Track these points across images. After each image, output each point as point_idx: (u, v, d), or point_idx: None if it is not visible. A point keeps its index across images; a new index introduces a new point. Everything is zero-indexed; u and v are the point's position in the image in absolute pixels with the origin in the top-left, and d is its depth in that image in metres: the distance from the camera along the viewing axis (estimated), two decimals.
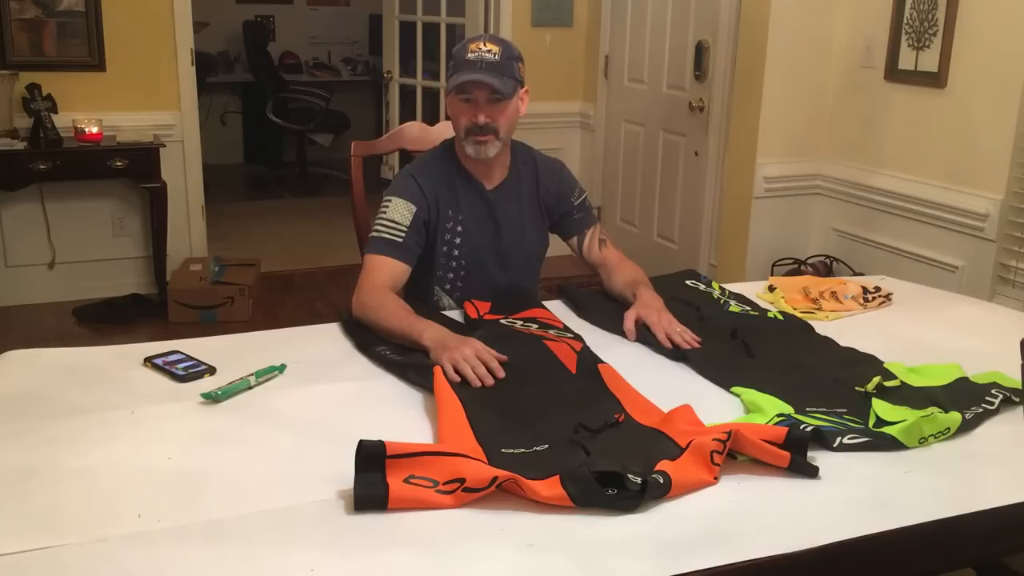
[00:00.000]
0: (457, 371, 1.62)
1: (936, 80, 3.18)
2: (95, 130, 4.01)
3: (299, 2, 7.72)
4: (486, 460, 1.32)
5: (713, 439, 1.34)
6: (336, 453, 1.37)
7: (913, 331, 2.01)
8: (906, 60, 3.30)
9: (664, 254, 4.59)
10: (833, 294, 2.15)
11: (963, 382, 1.67)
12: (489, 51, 1.93)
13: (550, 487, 1.25)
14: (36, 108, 3.94)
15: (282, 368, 1.66)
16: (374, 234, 1.98)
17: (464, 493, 1.24)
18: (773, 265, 3.72)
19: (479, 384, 1.60)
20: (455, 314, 2.01)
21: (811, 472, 1.35)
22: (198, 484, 1.29)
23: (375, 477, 1.24)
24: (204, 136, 4.62)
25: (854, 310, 2.11)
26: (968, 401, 1.58)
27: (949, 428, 1.49)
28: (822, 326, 2.01)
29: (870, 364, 1.77)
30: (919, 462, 1.42)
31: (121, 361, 1.71)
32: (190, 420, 1.49)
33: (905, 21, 3.29)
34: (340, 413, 1.53)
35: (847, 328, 2.01)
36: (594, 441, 1.41)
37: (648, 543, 1.18)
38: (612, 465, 1.26)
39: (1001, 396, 1.60)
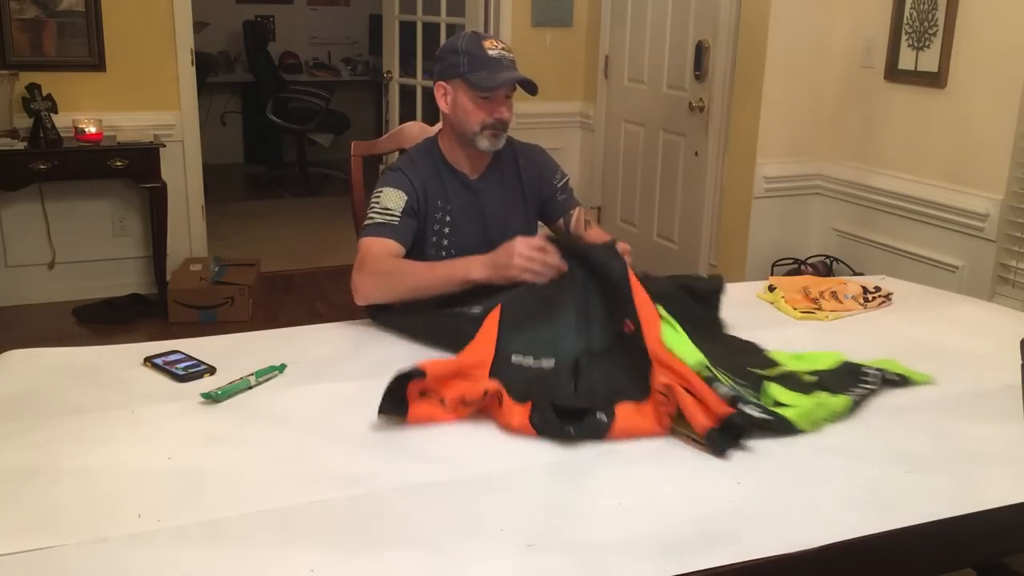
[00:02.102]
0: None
1: (936, 80, 3.18)
2: (95, 130, 4.01)
3: (299, 2, 7.72)
4: (490, 365, 1.55)
5: (662, 391, 1.46)
6: (336, 453, 1.37)
7: (913, 331, 2.01)
8: (906, 60, 3.30)
9: (664, 254, 4.59)
10: (833, 294, 2.15)
11: (846, 366, 1.71)
12: (505, 48, 2.00)
13: (520, 416, 1.44)
14: (36, 108, 3.94)
15: (282, 368, 1.66)
16: (368, 221, 2.00)
17: (462, 407, 1.46)
18: (773, 265, 3.72)
19: (557, 272, 1.73)
20: None
21: (721, 450, 1.39)
22: (198, 484, 1.29)
23: (399, 393, 1.46)
24: (204, 136, 4.62)
25: (854, 310, 2.11)
26: (849, 383, 1.63)
27: (840, 412, 1.53)
28: (821, 326, 2.01)
29: (755, 351, 1.79)
30: (919, 462, 1.42)
31: (121, 361, 1.71)
32: (190, 420, 1.49)
33: (905, 21, 3.29)
34: (340, 413, 1.53)
35: (847, 328, 2.01)
36: (592, 363, 1.56)
37: (648, 543, 1.18)
38: (582, 403, 1.44)
39: (881, 376, 1.66)
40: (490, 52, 1.98)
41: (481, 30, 4.75)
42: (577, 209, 2.20)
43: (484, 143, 2.02)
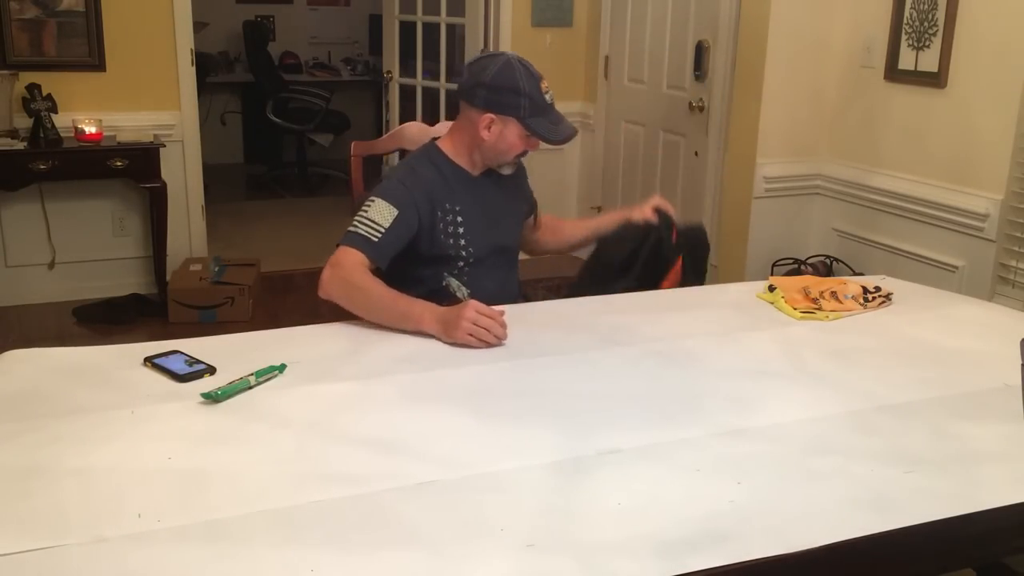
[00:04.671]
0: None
1: (936, 80, 3.18)
2: (95, 130, 4.01)
3: (299, 2, 7.72)
4: None
5: None
6: (336, 453, 1.37)
7: (913, 331, 2.01)
8: (906, 60, 3.30)
9: None
10: (833, 294, 2.15)
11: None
12: (550, 90, 2.06)
13: None
14: (36, 108, 3.94)
15: (282, 368, 1.66)
16: (351, 229, 2.00)
17: None
18: (773, 265, 3.72)
19: (498, 343, 1.78)
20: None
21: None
22: (198, 484, 1.29)
23: None
24: (204, 136, 4.62)
25: (854, 310, 2.11)
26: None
27: None
28: (821, 326, 2.01)
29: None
30: (919, 462, 1.42)
31: (121, 361, 1.71)
32: (190, 420, 1.49)
33: (905, 21, 3.29)
34: (340, 413, 1.53)
35: (847, 328, 2.01)
36: None
37: (648, 543, 1.18)
38: None
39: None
40: (547, 97, 2.04)
41: (481, 31, 4.75)
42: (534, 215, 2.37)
43: (508, 169, 2.14)
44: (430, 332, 1.81)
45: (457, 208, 2.09)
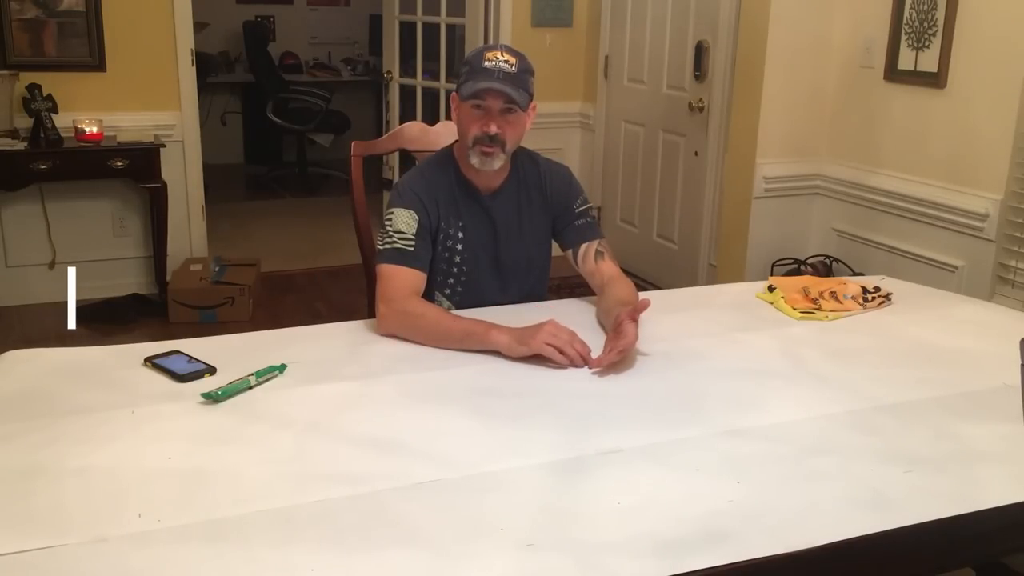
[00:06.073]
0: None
1: (936, 80, 3.18)
2: (95, 130, 4.01)
3: (299, 2, 7.72)
4: None
5: None
6: (336, 453, 1.38)
7: (913, 331, 2.01)
8: (906, 60, 3.30)
9: (664, 254, 4.60)
10: (833, 294, 2.16)
11: None
12: (506, 61, 1.92)
13: None
14: (36, 108, 3.94)
15: (282, 368, 1.66)
16: (386, 246, 1.96)
17: None
18: (773, 265, 3.72)
19: (581, 364, 1.73)
20: (467, 313, 2.01)
21: None
22: (198, 484, 1.29)
23: None
24: (204, 136, 4.62)
25: (854, 310, 2.12)
26: None
27: None
28: (821, 326, 2.01)
29: None
30: (919, 462, 1.42)
31: (121, 361, 1.71)
32: (190, 420, 1.49)
33: (905, 21, 3.29)
34: (340, 413, 1.53)
35: (847, 328, 2.01)
36: None
37: (648, 543, 1.18)
38: None
39: None
40: (486, 63, 1.91)
41: (481, 31, 4.76)
42: (593, 241, 2.10)
43: (475, 159, 1.97)
44: (496, 346, 1.76)
45: (460, 224, 2.04)
